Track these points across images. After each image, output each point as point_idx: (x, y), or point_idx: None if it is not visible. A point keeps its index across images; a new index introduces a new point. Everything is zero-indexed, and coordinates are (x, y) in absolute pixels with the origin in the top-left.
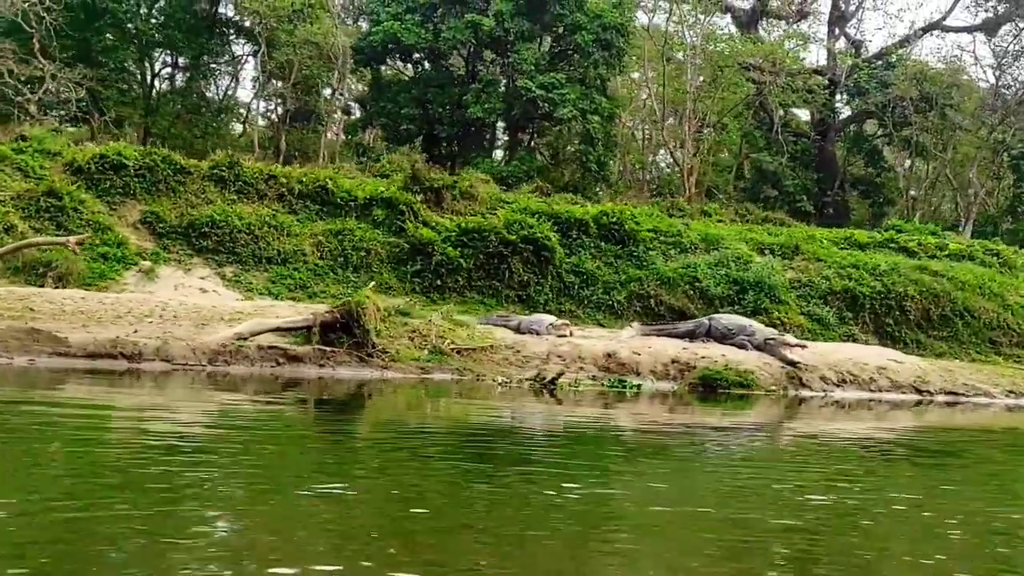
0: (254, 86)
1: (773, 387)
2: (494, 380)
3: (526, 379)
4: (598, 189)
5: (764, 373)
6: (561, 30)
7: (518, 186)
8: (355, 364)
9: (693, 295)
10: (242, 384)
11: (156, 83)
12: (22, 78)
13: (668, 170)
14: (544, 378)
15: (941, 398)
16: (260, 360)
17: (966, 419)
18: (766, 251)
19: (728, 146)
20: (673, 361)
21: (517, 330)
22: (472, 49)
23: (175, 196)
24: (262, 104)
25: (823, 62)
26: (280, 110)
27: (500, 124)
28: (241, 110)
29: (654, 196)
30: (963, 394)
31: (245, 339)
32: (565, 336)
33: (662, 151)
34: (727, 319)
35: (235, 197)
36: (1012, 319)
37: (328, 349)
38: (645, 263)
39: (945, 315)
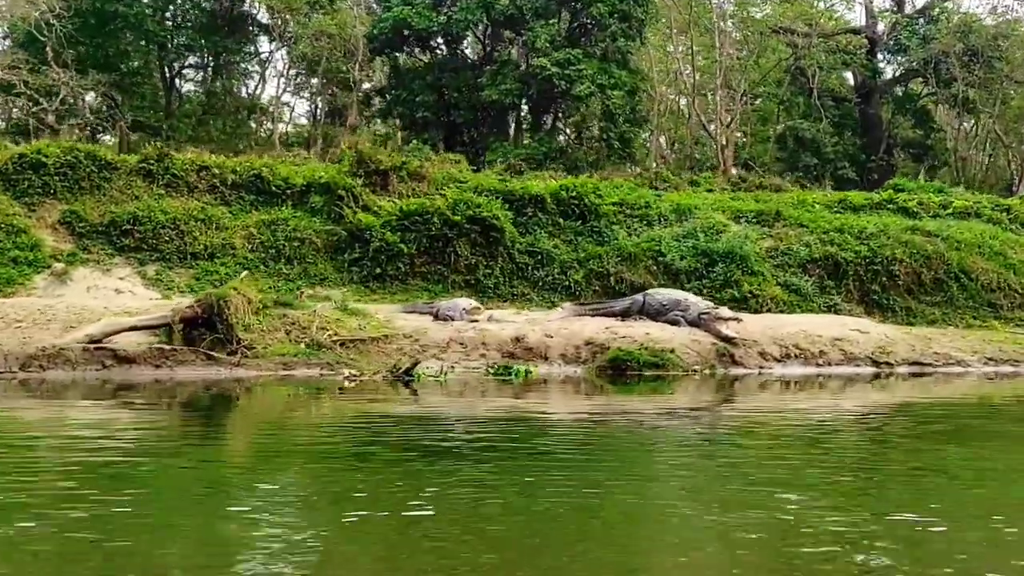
0: (284, 83)
1: (697, 366)
2: (356, 374)
3: (386, 371)
4: (627, 167)
5: (690, 351)
6: (578, 4)
7: (540, 170)
8: (201, 364)
9: (656, 271)
10: (62, 391)
11: (177, 84)
12: (38, 89)
13: (705, 144)
14: (399, 369)
15: (903, 369)
16: (84, 363)
17: (921, 392)
18: (743, 219)
19: (766, 115)
20: (587, 343)
21: (436, 316)
22: (487, 30)
23: (98, 194)
24: (302, 103)
25: (862, 21)
26: (313, 107)
27: (524, 106)
28: (272, 109)
29: (693, 171)
30: (930, 364)
31: (98, 341)
32: (477, 321)
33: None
34: (662, 294)
35: (163, 191)
36: (1014, 279)
37: (168, 348)
38: (607, 239)
39: (938, 278)
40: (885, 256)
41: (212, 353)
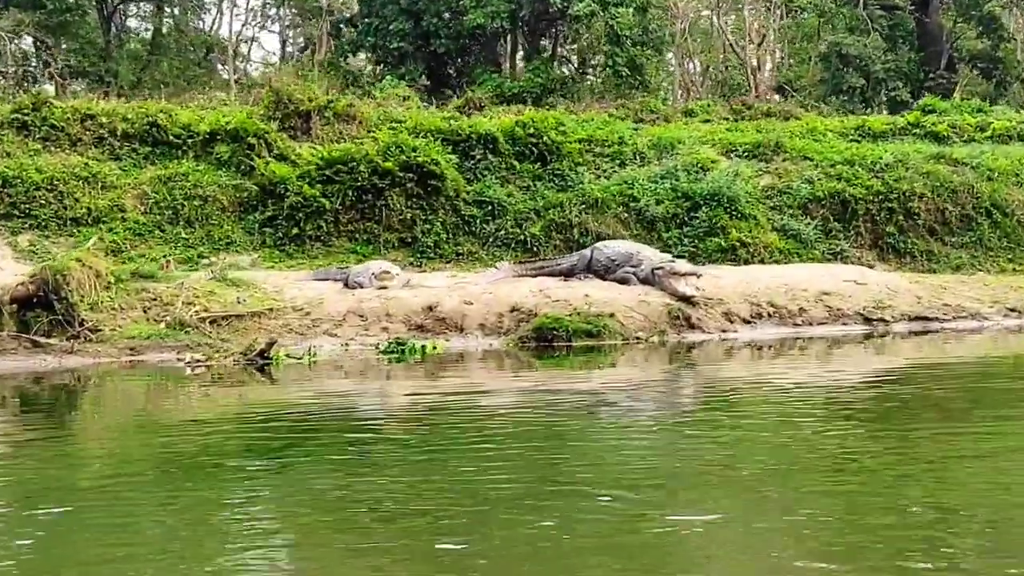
0: (250, 16)
1: (642, 333)
2: (201, 359)
3: (238, 354)
4: (639, 97)
5: (635, 315)
6: None
7: (540, 105)
8: (25, 352)
9: (628, 219)
10: None
11: (117, 21)
12: None
13: (736, 68)
14: (252, 350)
15: (901, 327)
16: None
17: (926, 353)
18: (734, 154)
19: (808, 31)
20: (513, 309)
21: (347, 284)
22: None
23: None
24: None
25: None
26: (283, 42)
27: (517, 31)
28: (231, 47)
29: (725, 99)
30: (937, 318)
31: None
32: (387, 287)
33: (731, 45)
34: (611, 248)
35: (40, 146)
36: None
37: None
38: (570, 183)
39: (967, 215)
40: (902, 191)
41: (37, 339)
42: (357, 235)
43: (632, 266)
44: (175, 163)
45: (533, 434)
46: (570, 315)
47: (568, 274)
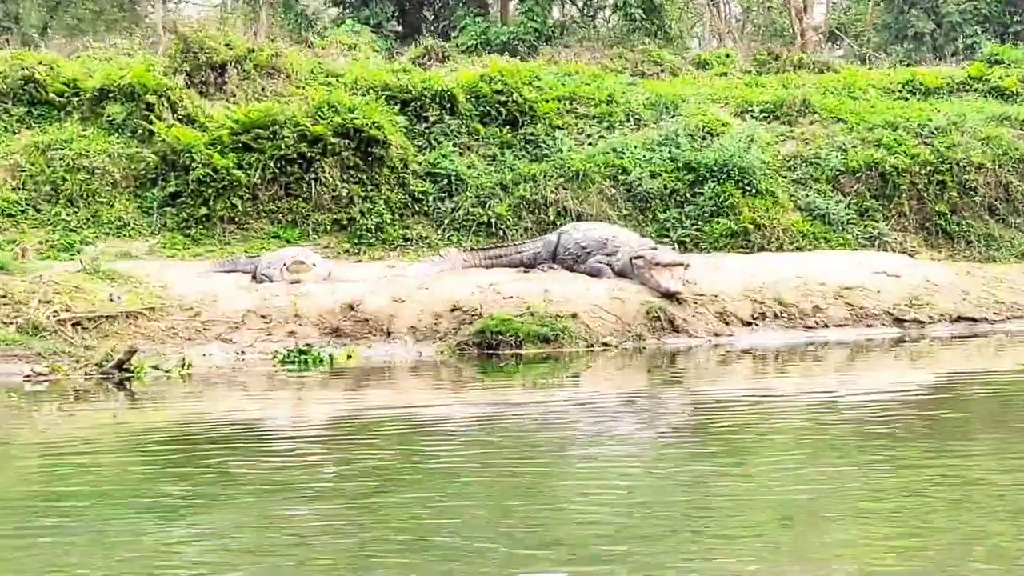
0: None
1: (612, 338)
2: (44, 372)
3: (92, 366)
4: (654, 46)
5: (604, 316)
6: None
7: (534, 55)
8: None
9: (616, 196)
10: None
11: None
12: None
13: (781, 10)
14: (109, 360)
15: (940, 329)
16: None
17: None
18: (750, 114)
19: None
20: (454, 309)
21: (255, 276)
22: None
23: None
24: None
25: None
26: None
27: None
28: None
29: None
30: (985, 319)
31: None
32: (299, 282)
33: None
34: (582, 232)
35: None
36: None
37: None
38: (546, 152)
39: None
40: (956, 161)
41: None
42: (280, 216)
43: (606, 254)
44: (56, 127)
45: (476, 481)
46: (522, 316)
47: (529, 264)
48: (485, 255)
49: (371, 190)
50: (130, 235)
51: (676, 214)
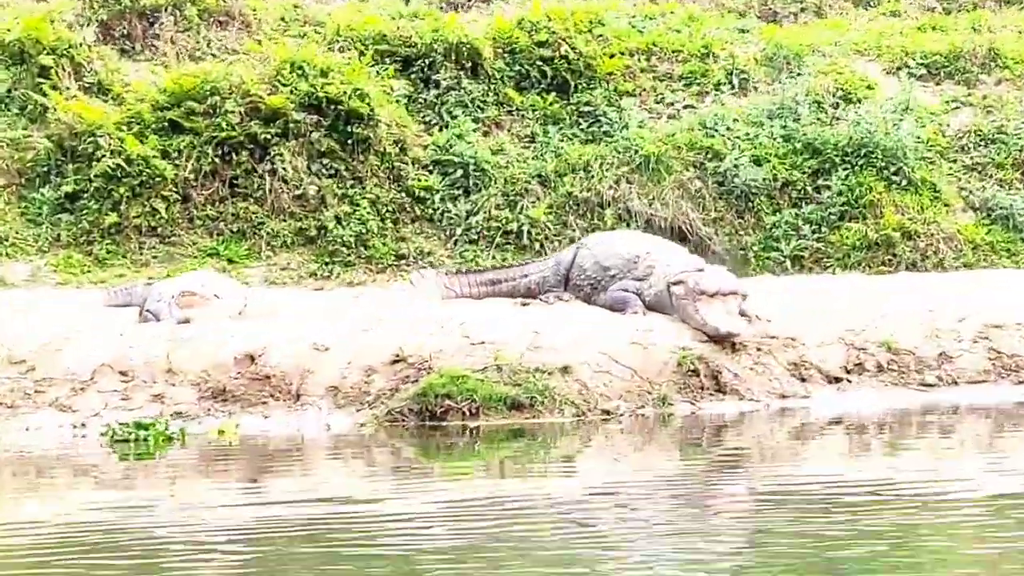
0: None
1: (622, 401)
2: None
3: None
4: None
5: (616, 369)
6: None
7: None
8: None
9: (703, 192)
10: None
11: None
12: None
13: None
14: None
15: None
16: None
17: None
18: (907, 71)
19: None
20: (396, 360)
21: (142, 311)
22: None
23: None
24: None
25: None
26: None
27: None
28: None
29: None
30: None
31: None
32: (188, 321)
33: None
34: (603, 246)
35: None
36: None
37: None
38: (609, 129)
39: None
40: None
41: None
42: (223, 225)
43: (636, 278)
44: None
45: None
46: (484, 371)
47: (535, 291)
48: (478, 279)
49: (351, 187)
50: (8, 253)
51: (790, 217)
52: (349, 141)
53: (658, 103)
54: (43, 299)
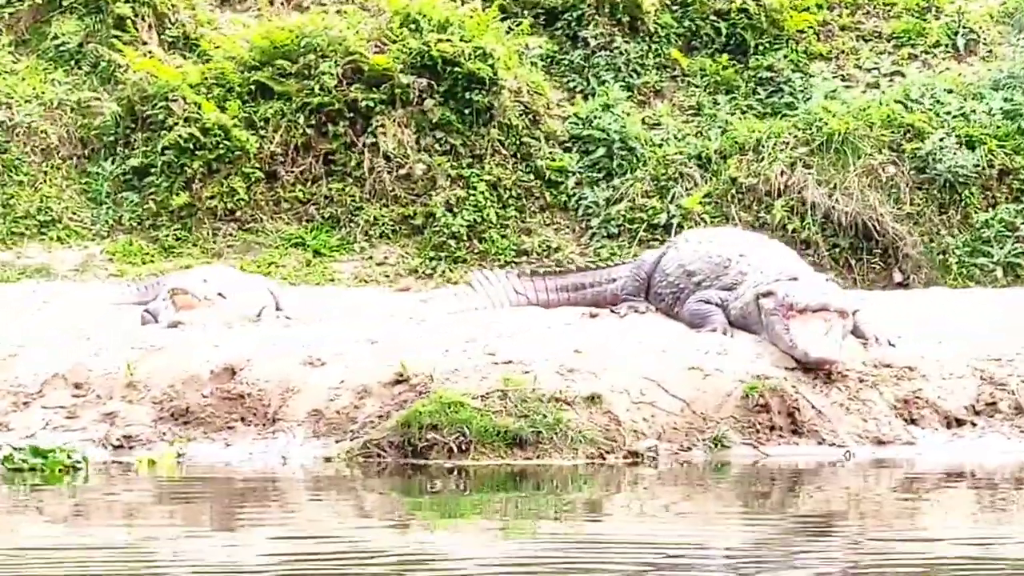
0: None
1: (660, 440)
2: None
3: None
4: None
5: (665, 400)
6: None
7: None
8: None
9: (896, 181)
10: None
11: None
12: None
13: None
14: None
15: None
16: None
17: None
18: None
19: None
20: (397, 381)
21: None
22: None
23: None
24: None
25: None
26: None
27: None
28: None
29: None
30: None
31: None
32: (181, 323)
33: None
34: (692, 248)
35: None
36: None
37: None
38: (792, 100)
39: None
40: None
41: None
42: (315, 208)
43: (724, 288)
44: None
45: None
46: (485, 398)
47: (613, 298)
48: (558, 284)
49: (468, 166)
50: (60, 237)
51: (1007, 214)
52: (467, 111)
53: (858, 68)
54: (55, 293)
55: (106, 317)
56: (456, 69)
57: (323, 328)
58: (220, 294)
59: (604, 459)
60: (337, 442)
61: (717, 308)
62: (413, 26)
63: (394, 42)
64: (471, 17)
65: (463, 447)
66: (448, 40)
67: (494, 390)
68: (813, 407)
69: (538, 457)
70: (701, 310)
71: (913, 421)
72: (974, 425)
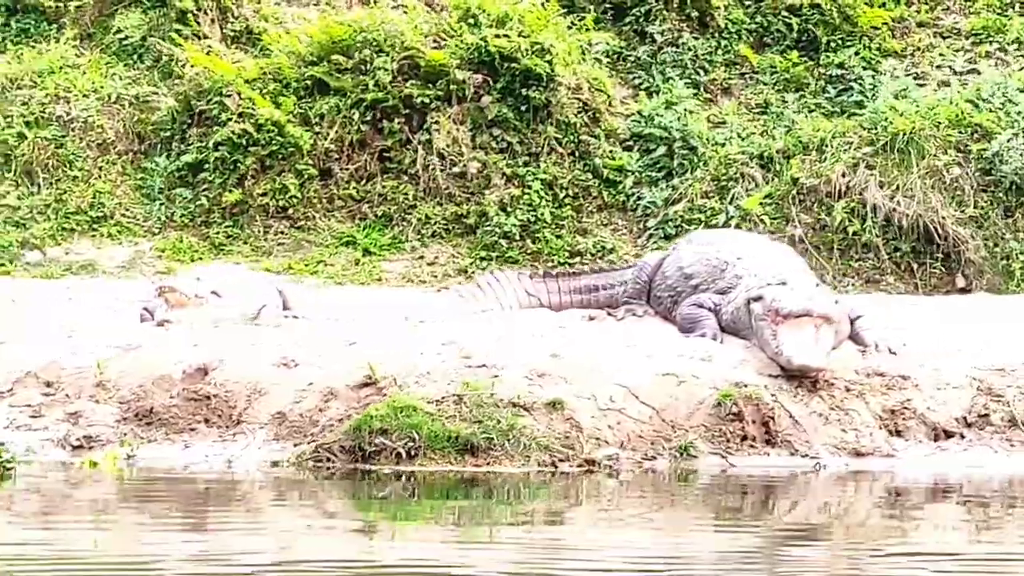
0: None
1: (623, 450)
2: None
3: None
4: None
5: (634, 408)
6: None
7: None
8: None
9: (960, 183)
10: None
11: None
12: None
13: None
14: None
15: None
16: None
17: None
18: None
19: None
20: (364, 384)
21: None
22: None
23: None
24: None
25: None
26: None
27: None
28: None
29: None
30: None
31: None
32: (169, 322)
33: None
34: (692, 249)
35: None
36: None
37: None
38: (862, 98)
39: None
40: None
41: None
42: (368, 207)
43: (719, 291)
44: (34, 53)
45: None
46: (440, 403)
47: (616, 300)
48: (571, 285)
49: (524, 164)
50: (111, 233)
51: None
52: (524, 108)
53: (932, 66)
54: (71, 290)
55: (108, 315)
56: (513, 65)
57: (305, 328)
58: (214, 292)
59: (556, 467)
60: (295, 445)
61: (710, 313)
62: (472, 21)
63: (452, 37)
64: (531, 12)
65: (411, 452)
66: (505, 35)
67: (450, 395)
68: (790, 416)
69: (488, 464)
70: (693, 314)
71: (898, 432)
72: (962, 437)
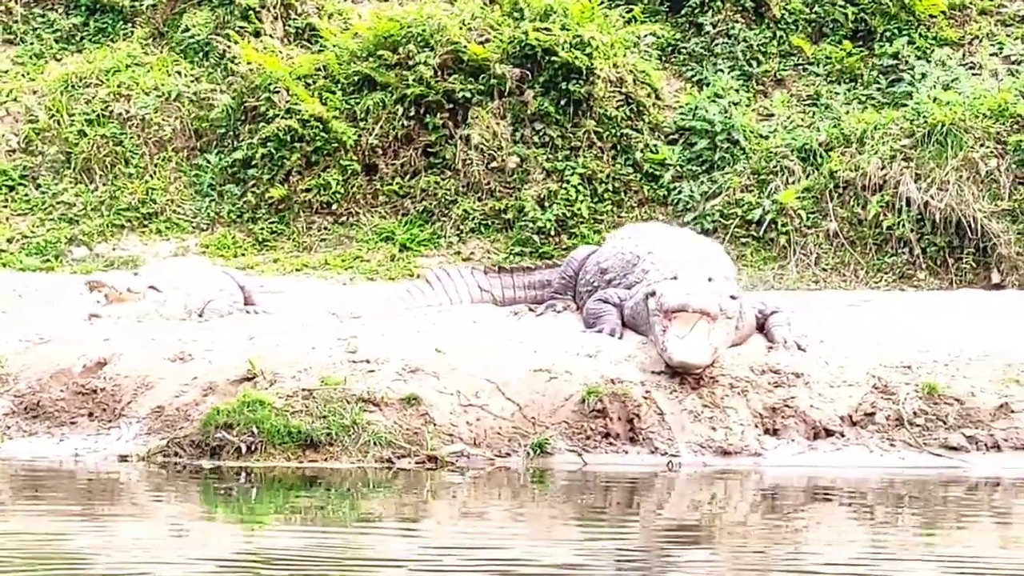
0: None
1: (472, 448)
2: None
3: None
4: None
5: (497, 404)
6: None
7: None
8: None
9: (994, 175)
10: None
11: None
12: None
13: None
14: None
15: None
16: None
17: None
18: None
19: None
20: (245, 379)
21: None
22: None
23: None
24: None
25: None
26: None
27: None
28: None
29: None
30: None
31: None
32: (98, 315)
33: None
34: (611, 244)
35: None
36: None
37: None
38: (910, 89)
39: None
40: None
41: None
42: (411, 202)
43: (627, 286)
44: (106, 50)
45: None
46: (289, 398)
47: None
48: (525, 281)
49: (564, 158)
50: (160, 229)
51: None
52: (564, 102)
53: (987, 55)
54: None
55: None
56: (554, 59)
57: (231, 323)
58: (152, 287)
59: (393, 464)
60: (161, 439)
61: (613, 308)
62: (517, 15)
63: (494, 31)
64: (576, 4)
65: (252, 447)
66: (546, 29)
67: (300, 389)
68: (659, 414)
69: (326, 460)
70: (596, 309)
71: (774, 431)
72: (841, 436)
